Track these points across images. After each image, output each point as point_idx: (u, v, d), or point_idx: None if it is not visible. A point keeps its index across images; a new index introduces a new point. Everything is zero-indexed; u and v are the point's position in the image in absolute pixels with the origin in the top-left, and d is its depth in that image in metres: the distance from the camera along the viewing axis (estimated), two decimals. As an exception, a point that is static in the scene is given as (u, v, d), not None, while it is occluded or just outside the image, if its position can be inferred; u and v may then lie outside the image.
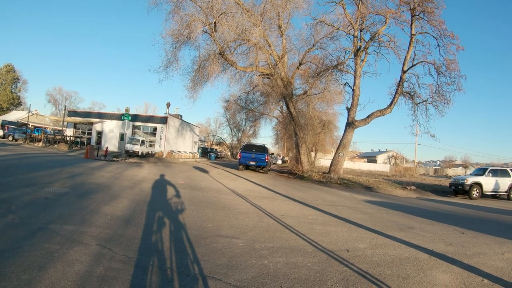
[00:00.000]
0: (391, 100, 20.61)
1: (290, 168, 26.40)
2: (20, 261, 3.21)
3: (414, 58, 19.82)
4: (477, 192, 16.72)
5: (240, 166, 21.64)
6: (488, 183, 16.92)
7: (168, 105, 33.36)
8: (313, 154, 34.52)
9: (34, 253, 3.47)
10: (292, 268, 3.77)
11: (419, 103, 20.06)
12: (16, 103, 60.52)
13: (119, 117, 31.49)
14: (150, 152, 28.61)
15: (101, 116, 35.29)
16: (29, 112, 42.10)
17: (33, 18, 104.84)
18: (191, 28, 17.83)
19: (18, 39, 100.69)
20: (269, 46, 21.24)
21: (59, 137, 31.29)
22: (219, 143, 67.68)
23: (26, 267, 3.09)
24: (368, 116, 21.36)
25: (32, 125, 43.45)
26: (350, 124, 21.63)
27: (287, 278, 3.44)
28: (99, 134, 33.88)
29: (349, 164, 56.80)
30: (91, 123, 34.11)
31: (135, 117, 32.83)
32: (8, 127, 36.97)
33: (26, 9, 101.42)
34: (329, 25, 21.55)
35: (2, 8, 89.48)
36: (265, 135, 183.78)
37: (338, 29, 21.53)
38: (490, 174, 17.19)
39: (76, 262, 3.36)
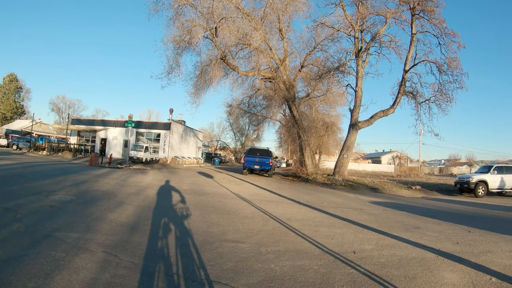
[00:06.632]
0: (393, 100, 20.59)
1: (295, 171, 26.35)
2: (26, 269, 3.21)
3: (415, 58, 19.83)
4: (483, 190, 16.58)
5: (245, 171, 21.67)
6: (493, 180, 16.79)
7: (171, 111, 33.44)
8: (317, 156, 34.31)
9: (40, 261, 3.48)
10: (299, 271, 3.75)
11: (422, 102, 20.02)
12: (19, 112, 61.01)
13: (123, 124, 31.66)
14: (154, 159, 28.72)
15: (105, 123, 35.54)
16: (32, 121, 42.37)
17: (35, 27, 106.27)
18: (192, 33, 17.88)
19: (21, 49, 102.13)
20: (271, 49, 21.26)
21: (63, 145, 31.56)
22: (223, 148, 67.67)
23: (32, 275, 3.10)
24: (371, 117, 21.32)
25: (36, 134, 43.82)
26: (354, 126, 21.58)
27: (294, 281, 3.41)
28: (103, 141, 34.07)
29: (353, 166, 56.51)
30: (95, 131, 34.32)
31: (138, 124, 33.06)
32: (12, 136, 37.23)
33: (27, 19, 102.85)
34: (329, 27, 21.59)
35: (4, 18, 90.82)
36: (269, 139, 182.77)
37: (338, 30, 21.59)
38: (496, 172, 17.06)
39: (82, 269, 3.36)
